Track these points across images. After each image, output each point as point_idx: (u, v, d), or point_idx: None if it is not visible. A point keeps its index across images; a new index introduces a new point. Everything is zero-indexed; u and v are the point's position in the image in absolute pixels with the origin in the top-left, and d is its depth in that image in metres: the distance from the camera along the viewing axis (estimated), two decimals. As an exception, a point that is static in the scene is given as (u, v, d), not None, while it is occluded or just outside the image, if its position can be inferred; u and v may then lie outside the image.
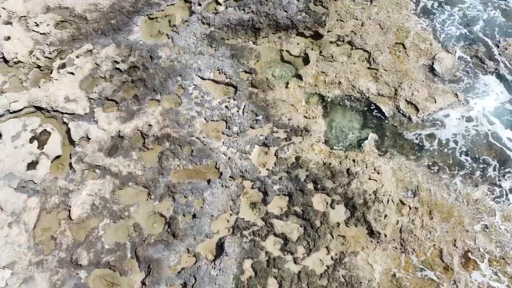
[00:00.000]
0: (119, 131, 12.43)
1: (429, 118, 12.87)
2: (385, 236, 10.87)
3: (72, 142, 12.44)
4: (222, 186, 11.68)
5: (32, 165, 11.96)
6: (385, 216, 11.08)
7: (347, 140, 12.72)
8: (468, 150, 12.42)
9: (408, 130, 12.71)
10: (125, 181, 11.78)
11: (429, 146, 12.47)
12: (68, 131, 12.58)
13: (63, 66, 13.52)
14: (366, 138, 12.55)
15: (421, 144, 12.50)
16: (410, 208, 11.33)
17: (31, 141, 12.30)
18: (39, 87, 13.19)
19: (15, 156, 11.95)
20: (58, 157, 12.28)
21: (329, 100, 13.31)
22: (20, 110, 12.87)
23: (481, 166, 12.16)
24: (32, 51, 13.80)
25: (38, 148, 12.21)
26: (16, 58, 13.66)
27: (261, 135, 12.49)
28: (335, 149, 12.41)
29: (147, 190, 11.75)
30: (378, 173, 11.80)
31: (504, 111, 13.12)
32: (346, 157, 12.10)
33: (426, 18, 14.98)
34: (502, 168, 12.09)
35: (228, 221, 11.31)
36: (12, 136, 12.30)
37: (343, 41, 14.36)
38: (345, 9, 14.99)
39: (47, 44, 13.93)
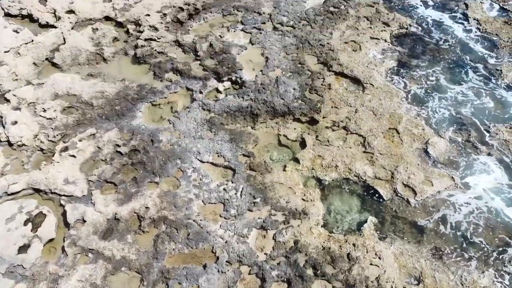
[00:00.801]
0: (116, 214, 12.30)
1: (428, 201, 12.83)
2: (391, 327, 10.20)
3: (67, 225, 12.24)
4: (218, 271, 11.24)
5: (23, 248, 11.63)
6: (390, 305, 10.51)
7: (346, 224, 12.54)
8: (472, 233, 12.18)
9: (407, 213, 12.59)
10: (118, 266, 11.36)
11: (430, 229, 12.25)
12: (64, 214, 12.44)
13: (65, 149, 13.83)
14: (366, 222, 12.39)
15: (422, 227, 12.29)
16: (415, 296, 10.80)
17: (25, 223, 12.11)
18: (40, 169, 13.34)
19: (7, 239, 11.68)
20: (51, 240, 11.99)
21: (326, 183, 13.39)
22: (18, 192, 12.86)
23: (486, 249, 11.83)
24: (37, 135, 14.22)
25: (31, 231, 11.98)
26: (21, 141, 14.03)
27: (259, 218, 12.34)
28: (334, 233, 12.17)
29: (140, 276, 11.28)
30: (379, 258, 11.44)
31: (504, 191, 13.12)
32: (346, 241, 11.82)
33: (417, 105, 15.69)
34: (508, 251, 11.75)
35: (223, 310, 10.69)
36: (7, 218, 12.14)
37: (338, 126, 14.87)
38: (339, 97, 15.78)
39: (52, 128, 14.40)
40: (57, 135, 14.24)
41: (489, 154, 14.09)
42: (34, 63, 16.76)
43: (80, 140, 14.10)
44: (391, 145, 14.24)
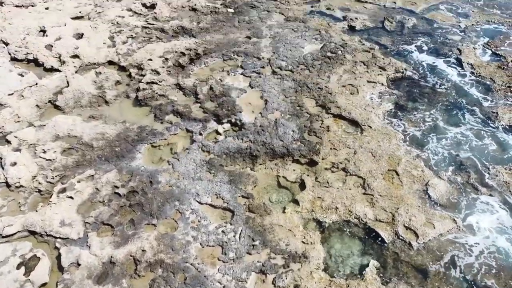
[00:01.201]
0: (111, 257, 12.01)
1: (431, 244, 12.57)
2: None
3: (61, 269, 11.91)
4: (215, 318, 10.81)
5: (14, 293, 11.27)
6: None
7: (348, 267, 12.21)
8: (479, 276, 11.83)
9: (410, 257, 12.30)
10: (111, 312, 10.94)
11: (434, 273, 11.91)
12: (58, 257, 12.13)
13: (63, 190, 13.74)
14: (367, 265, 12.07)
15: (426, 270, 11.96)
16: None
17: (18, 267, 11.79)
18: (36, 211, 13.18)
19: (-2, 283, 11.34)
20: (44, 284, 11.61)
21: (326, 225, 13.18)
22: (13, 235, 12.63)
23: (491, 296, 11.45)
24: (35, 176, 14.18)
25: (24, 275, 11.63)
26: (19, 182, 13.97)
27: (258, 261, 12.03)
28: (335, 277, 11.82)
29: (134, 323, 10.84)
30: (382, 304, 11.05)
31: (507, 231, 12.89)
32: (348, 286, 11.46)
33: (416, 147, 15.77)
34: (514, 298, 11.37)
35: None
36: (0, 262, 11.84)
37: (337, 168, 14.86)
38: (338, 138, 15.90)
39: (51, 170, 14.39)
40: (55, 176, 14.19)
41: (490, 196, 13.99)
42: (37, 105, 17.04)
43: (79, 182, 14.04)
44: (391, 187, 14.16)
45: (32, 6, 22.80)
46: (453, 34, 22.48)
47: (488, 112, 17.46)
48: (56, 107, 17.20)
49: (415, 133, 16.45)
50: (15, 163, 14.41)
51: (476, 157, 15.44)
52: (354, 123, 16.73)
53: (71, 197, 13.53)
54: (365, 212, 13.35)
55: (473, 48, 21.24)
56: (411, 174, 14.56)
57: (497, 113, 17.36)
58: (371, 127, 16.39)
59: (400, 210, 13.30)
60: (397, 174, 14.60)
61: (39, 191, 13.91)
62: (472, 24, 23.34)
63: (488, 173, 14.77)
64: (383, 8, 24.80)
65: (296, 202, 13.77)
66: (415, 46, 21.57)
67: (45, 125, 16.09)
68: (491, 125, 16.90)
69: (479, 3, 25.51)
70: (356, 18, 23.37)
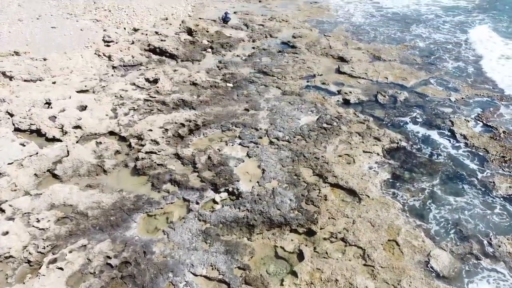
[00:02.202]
0: (98, 334, 11.29)
1: (436, 320, 11.91)
2: None
3: None
4: None
5: None
6: None
7: None
8: None
9: (415, 334, 11.59)
10: None
11: None
12: (42, 334, 11.41)
13: (54, 261, 13.29)
14: None
15: None
16: None
17: None
18: (24, 283, 12.64)
19: None
20: None
21: (327, 299, 12.58)
22: (-4, 309, 12.01)
23: None
24: (26, 246, 13.81)
25: None
26: (9, 253, 13.56)
27: None
28: None
29: None
30: None
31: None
32: None
33: (415, 217, 15.58)
34: None
35: None
36: None
37: (336, 238, 14.55)
38: (336, 208, 15.76)
39: (43, 239, 14.05)
40: (47, 246, 13.82)
41: (493, 267, 13.53)
42: (35, 174, 17.10)
43: (70, 252, 13.64)
44: (391, 258, 13.75)
45: (40, 80, 23.85)
46: (445, 107, 23.28)
47: (485, 182, 17.51)
48: (54, 176, 17.27)
49: (414, 202, 16.35)
50: (7, 233, 14.11)
51: (477, 227, 15.20)
52: (351, 192, 16.70)
53: (61, 268, 13.05)
54: (366, 284, 12.81)
55: (465, 120, 21.88)
56: (412, 244, 14.21)
57: (494, 182, 17.40)
58: (369, 197, 16.33)
59: (403, 283, 12.77)
60: (398, 244, 14.25)
61: (29, 261, 13.45)
62: (462, 98, 24.28)
63: (491, 244, 14.43)
64: (376, 83, 25.95)
65: (294, 274, 13.27)
66: (408, 118, 22.23)
67: (41, 194, 16.02)
68: (489, 194, 16.85)
69: (469, 79, 26.74)
70: (350, 92, 24.35)
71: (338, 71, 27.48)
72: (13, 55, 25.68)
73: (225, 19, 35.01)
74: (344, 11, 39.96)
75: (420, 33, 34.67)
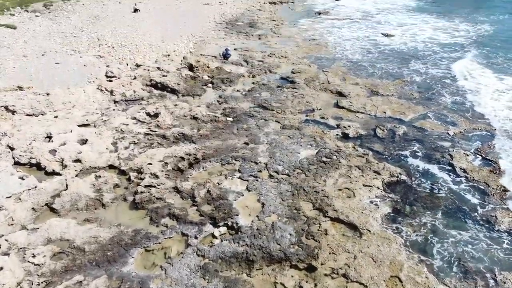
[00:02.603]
0: None
1: None
2: None
3: None
4: None
5: None
6: None
7: None
8: None
9: None
10: None
11: None
12: None
13: (48, 298, 12.97)
14: None
15: None
16: None
17: None
18: (16, 321, 12.27)
19: None
20: None
21: (328, 338, 12.16)
22: None
23: None
24: (20, 283, 13.50)
25: None
26: (2, 289, 13.25)
27: None
28: None
29: None
30: None
31: None
32: None
33: (417, 252, 15.32)
34: None
35: None
36: None
37: (337, 273, 14.25)
38: (336, 242, 15.52)
39: (37, 275, 13.75)
40: (41, 282, 13.51)
41: (500, 304, 13.20)
42: (33, 208, 16.96)
43: (65, 288, 13.33)
44: (395, 295, 13.41)
45: (42, 114, 24.11)
46: (444, 141, 23.39)
47: (487, 216, 17.35)
48: (52, 210, 17.12)
49: (416, 237, 16.13)
50: (1, 268, 13.82)
51: (481, 263, 14.91)
52: (352, 226, 16.50)
53: (55, 306, 12.71)
54: (369, 323, 12.43)
55: (464, 153, 21.93)
56: (415, 280, 13.90)
57: (496, 217, 17.23)
58: (370, 231, 16.12)
59: (407, 321, 12.40)
60: (400, 280, 13.94)
61: (22, 298, 13.12)
62: (460, 132, 24.43)
63: (495, 280, 14.12)
64: (374, 117, 26.20)
65: (295, 311, 12.92)
66: (408, 152, 22.28)
67: (38, 228, 15.83)
68: (492, 229, 16.65)
69: (467, 113, 27.02)
70: (349, 126, 24.55)
71: (337, 105, 27.81)
72: (16, 90, 26.09)
73: (225, 56, 35.79)
74: (341, 47, 40.90)
75: (417, 69, 35.36)
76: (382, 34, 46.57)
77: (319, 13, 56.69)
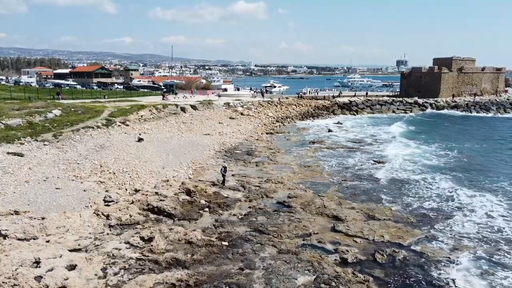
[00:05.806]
0: None
1: None
2: None
3: None
4: None
5: None
6: None
7: None
8: None
9: None
10: None
11: None
12: None
13: None
14: None
15: None
16: None
17: None
18: None
19: None
20: None
21: None
22: None
23: None
24: None
25: None
26: None
27: None
28: None
29: None
30: None
31: None
32: None
33: None
34: None
35: None
36: None
37: None
38: None
39: None
40: None
41: None
42: None
43: None
44: None
45: (34, 239, 23.67)
46: (445, 266, 22.60)
47: None
48: None
49: None
50: None
51: None
52: None
53: None
54: None
55: (466, 280, 20.97)
56: None
57: None
58: None
59: None
60: None
61: None
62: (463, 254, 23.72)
63: None
64: (372, 242, 25.75)
65: None
66: (409, 278, 21.33)
67: None
68: None
69: (470, 234, 26.67)
70: (347, 251, 23.96)
71: (334, 229, 27.54)
72: (12, 214, 26.09)
73: (223, 172, 37.11)
74: (336, 173, 42.22)
75: (414, 193, 36.07)
76: (374, 161, 48.51)
77: (313, 142, 59.86)
